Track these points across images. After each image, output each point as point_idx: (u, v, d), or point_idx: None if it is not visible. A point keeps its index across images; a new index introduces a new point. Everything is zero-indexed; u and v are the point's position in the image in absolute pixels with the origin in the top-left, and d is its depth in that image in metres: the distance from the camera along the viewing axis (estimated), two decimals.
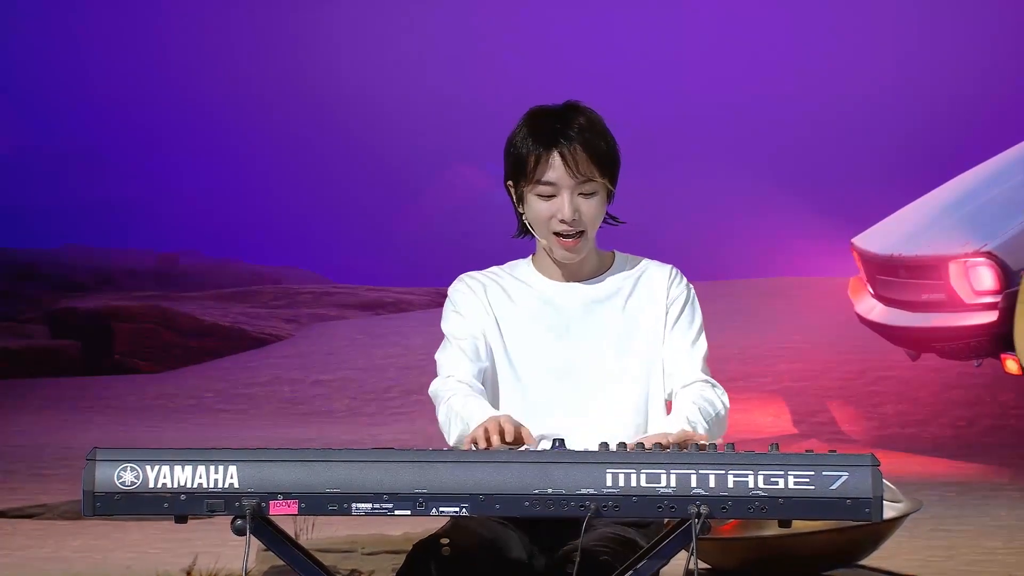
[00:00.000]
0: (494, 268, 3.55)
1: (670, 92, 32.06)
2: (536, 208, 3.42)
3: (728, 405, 3.40)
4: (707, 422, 3.31)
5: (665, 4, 33.05)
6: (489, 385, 3.45)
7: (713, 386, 3.40)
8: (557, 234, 3.42)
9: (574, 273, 3.48)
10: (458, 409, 3.31)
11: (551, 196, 3.40)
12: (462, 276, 3.53)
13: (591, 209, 3.40)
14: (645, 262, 3.51)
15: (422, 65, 33.63)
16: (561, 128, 3.38)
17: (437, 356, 3.47)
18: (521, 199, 3.44)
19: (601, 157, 3.38)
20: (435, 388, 3.42)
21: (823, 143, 30.98)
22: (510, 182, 3.45)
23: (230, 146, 34.01)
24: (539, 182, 3.39)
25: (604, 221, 3.47)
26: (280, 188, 33.88)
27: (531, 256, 3.54)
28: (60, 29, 34.23)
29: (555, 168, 3.37)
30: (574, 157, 3.36)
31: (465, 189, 30.51)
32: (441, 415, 3.38)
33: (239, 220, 33.07)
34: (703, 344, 3.46)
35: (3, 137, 32.21)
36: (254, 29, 34.38)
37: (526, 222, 3.47)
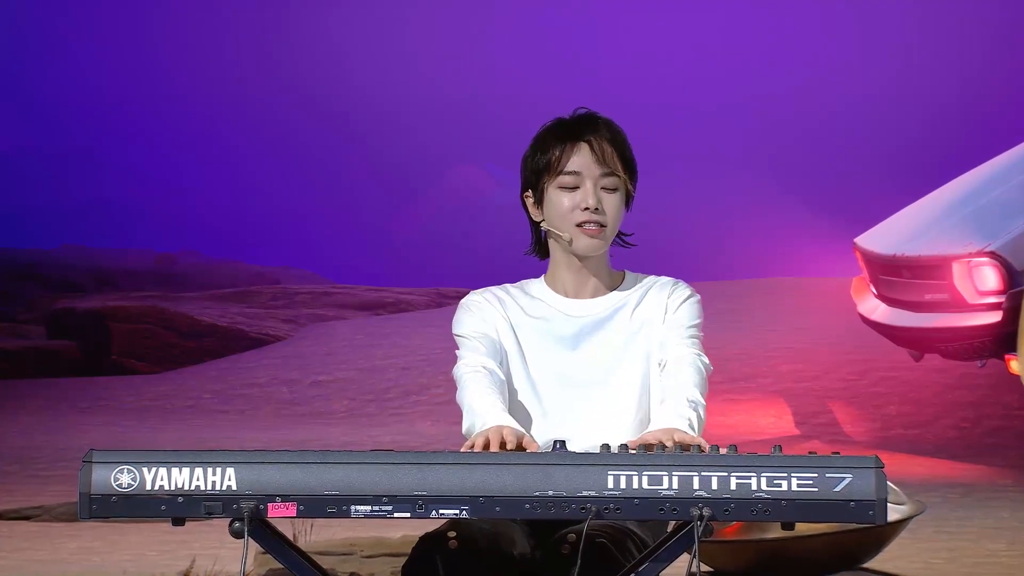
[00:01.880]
0: (506, 285, 3.58)
1: (672, 92, 32.07)
2: (558, 201, 3.45)
3: (711, 367, 3.44)
4: (702, 396, 3.35)
5: (668, 5, 33.03)
6: (507, 375, 3.48)
7: (698, 355, 3.44)
8: (580, 225, 3.45)
9: (583, 286, 3.52)
10: (475, 406, 3.34)
11: (574, 188, 3.43)
12: (476, 291, 3.56)
13: (613, 205, 3.44)
14: (655, 278, 3.56)
15: (423, 65, 33.64)
16: (586, 124, 3.44)
17: (457, 352, 3.49)
18: (541, 201, 3.47)
19: (625, 153, 3.44)
20: (458, 372, 3.45)
21: (826, 143, 30.98)
22: (528, 192, 3.49)
23: (229, 147, 34.02)
24: (563, 172, 3.43)
25: (617, 236, 3.51)
26: (279, 188, 33.90)
27: (543, 276, 3.57)
28: (60, 30, 34.23)
29: (581, 155, 3.42)
30: (600, 146, 3.42)
31: (465, 189, 30.53)
32: (459, 398, 3.42)
33: (238, 220, 33.09)
34: (696, 328, 3.49)
35: (2, 137, 32.21)
36: (255, 29, 34.39)
37: (544, 228, 3.49)
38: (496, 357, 3.45)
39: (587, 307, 3.51)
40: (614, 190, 3.42)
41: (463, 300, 3.56)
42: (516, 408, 3.47)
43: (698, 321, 3.50)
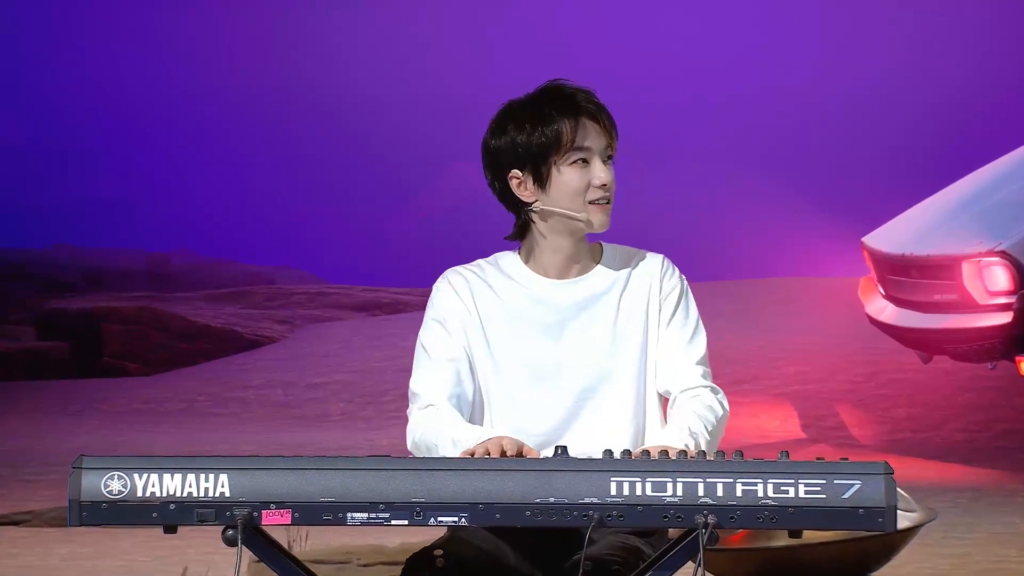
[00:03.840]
0: (480, 261, 3.42)
1: (674, 88, 32.08)
2: (570, 179, 3.30)
3: (728, 409, 3.31)
4: (708, 432, 3.22)
5: (672, 0, 33.07)
6: (477, 396, 3.32)
7: (714, 391, 3.30)
8: (592, 202, 3.31)
9: (566, 267, 3.36)
10: (458, 436, 3.16)
11: (584, 165, 3.30)
12: (446, 274, 3.40)
13: (614, 174, 3.35)
14: (635, 253, 3.41)
15: (419, 62, 33.66)
16: (575, 94, 3.34)
17: (412, 382, 3.31)
18: (541, 180, 3.30)
19: (614, 121, 3.36)
20: (415, 420, 3.26)
21: (832, 140, 30.96)
22: (515, 171, 3.32)
23: (223, 144, 33.98)
24: (576, 148, 3.29)
25: None
26: (274, 187, 33.88)
27: (517, 250, 3.40)
28: (50, 26, 34.20)
29: (588, 129, 3.30)
30: (601, 119, 3.32)
31: (463, 187, 30.52)
32: (423, 438, 3.21)
33: (232, 219, 33.04)
34: (700, 342, 3.35)
35: None
36: (248, 26, 34.38)
37: (541, 208, 3.31)
38: (457, 385, 3.28)
39: (567, 291, 3.33)
40: (611, 158, 3.32)
41: (434, 289, 3.39)
42: (492, 408, 3.31)
43: (696, 318, 3.36)
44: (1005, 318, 12.20)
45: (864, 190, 27.08)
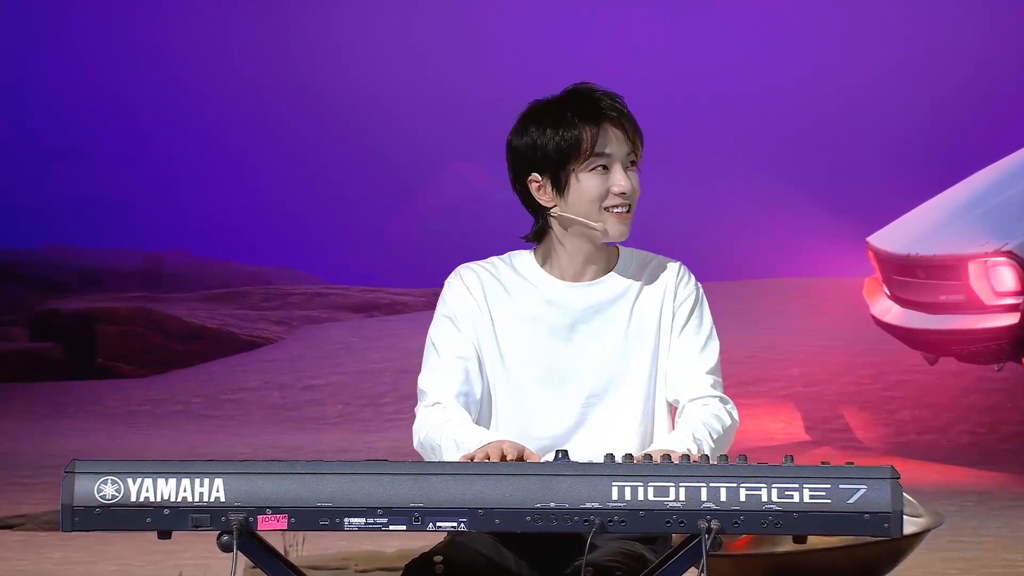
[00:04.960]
0: (494, 259, 3.39)
1: (678, 87, 32.12)
2: (589, 186, 3.27)
3: (737, 420, 3.30)
4: (713, 440, 3.20)
5: None
6: (485, 394, 3.29)
7: (723, 401, 3.27)
8: (609, 210, 3.28)
9: (581, 270, 3.33)
10: (461, 438, 3.13)
11: (604, 172, 3.27)
12: (459, 269, 3.37)
13: (636, 181, 3.30)
14: (652, 258, 3.39)
15: (418, 61, 33.71)
16: (599, 99, 3.31)
17: (420, 379, 3.30)
18: (560, 186, 3.28)
19: (639, 127, 3.33)
20: (421, 418, 3.25)
21: (837, 139, 30.99)
22: (534, 175, 3.29)
23: (220, 143, 34.00)
24: (596, 154, 3.26)
25: None
26: (271, 186, 33.89)
27: (533, 250, 3.37)
28: (45, 24, 34.21)
29: (610, 136, 3.28)
30: (624, 124, 3.28)
31: (462, 187, 30.57)
32: (427, 439, 3.19)
33: (229, 219, 33.03)
34: (712, 351, 3.33)
35: None
36: (246, 24, 34.42)
37: (560, 214, 3.29)
38: (466, 384, 3.25)
39: (581, 294, 3.30)
40: (634, 164, 3.29)
41: (446, 285, 3.37)
42: (498, 409, 3.27)
43: (710, 327, 3.33)
44: (1012, 319, 12.25)
45: (869, 190, 27.08)
